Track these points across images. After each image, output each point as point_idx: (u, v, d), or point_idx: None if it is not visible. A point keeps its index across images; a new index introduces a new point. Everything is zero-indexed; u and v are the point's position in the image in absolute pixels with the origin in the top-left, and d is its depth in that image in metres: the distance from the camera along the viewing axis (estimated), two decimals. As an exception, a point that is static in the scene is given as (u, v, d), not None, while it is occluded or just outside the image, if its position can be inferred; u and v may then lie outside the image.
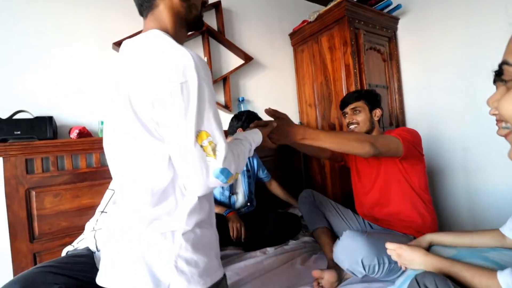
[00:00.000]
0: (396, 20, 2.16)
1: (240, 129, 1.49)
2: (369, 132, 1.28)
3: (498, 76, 0.67)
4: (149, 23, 0.65)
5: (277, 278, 1.08)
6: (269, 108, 0.88)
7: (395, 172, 1.18)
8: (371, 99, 1.30)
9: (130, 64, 0.59)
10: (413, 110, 2.15)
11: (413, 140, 1.11)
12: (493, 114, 0.71)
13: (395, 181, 1.18)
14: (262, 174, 1.74)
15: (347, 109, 1.32)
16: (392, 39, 2.16)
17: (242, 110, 1.96)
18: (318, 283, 1.02)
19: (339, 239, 1.06)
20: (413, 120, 2.15)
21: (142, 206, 0.58)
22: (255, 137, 0.75)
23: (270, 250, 1.33)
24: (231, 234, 1.32)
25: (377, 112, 1.30)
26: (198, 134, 0.53)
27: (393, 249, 0.85)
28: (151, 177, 0.57)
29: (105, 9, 1.57)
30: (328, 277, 1.02)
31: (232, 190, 1.56)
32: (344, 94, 1.94)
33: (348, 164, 1.44)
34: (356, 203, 1.40)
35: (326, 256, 1.18)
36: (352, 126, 1.29)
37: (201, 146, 0.53)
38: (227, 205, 1.53)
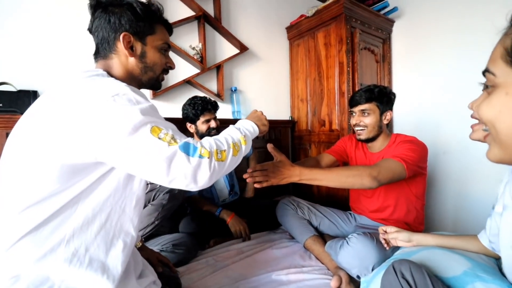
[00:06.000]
0: (391, 22, 2.19)
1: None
2: (375, 137, 1.23)
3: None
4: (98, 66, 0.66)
5: (256, 262, 1.11)
6: (271, 145, 0.89)
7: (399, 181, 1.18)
8: (384, 100, 1.20)
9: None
10: (400, 113, 2.20)
11: (418, 159, 1.07)
12: (474, 117, 0.75)
13: (398, 187, 1.18)
14: None
15: (356, 110, 1.23)
16: (386, 41, 2.19)
17: (234, 100, 1.96)
18: None
19: (340, 243, 1.04)
20: (399, 123, 2.21)
21: None
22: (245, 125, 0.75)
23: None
24: (236, 235, 1.35)
25: (388, 115, 1.21)
26: None
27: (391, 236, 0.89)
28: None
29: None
30: (344, 279, 0.99)
31: None
32: (336, 92, 1.97)
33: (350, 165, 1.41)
34: (351, 199, 1.41)
35: (326, 266, 1.14)
36: (358, 129, 1.23)
37: None
38: (210, 198, 1.53)
